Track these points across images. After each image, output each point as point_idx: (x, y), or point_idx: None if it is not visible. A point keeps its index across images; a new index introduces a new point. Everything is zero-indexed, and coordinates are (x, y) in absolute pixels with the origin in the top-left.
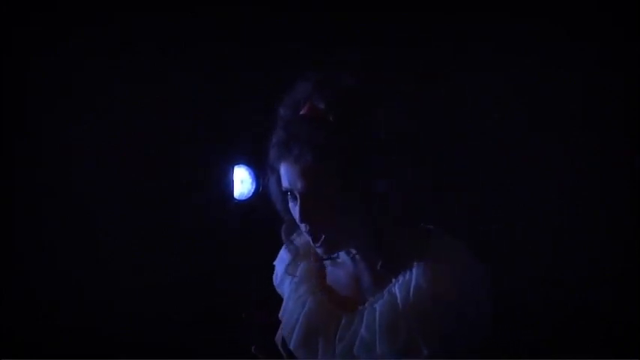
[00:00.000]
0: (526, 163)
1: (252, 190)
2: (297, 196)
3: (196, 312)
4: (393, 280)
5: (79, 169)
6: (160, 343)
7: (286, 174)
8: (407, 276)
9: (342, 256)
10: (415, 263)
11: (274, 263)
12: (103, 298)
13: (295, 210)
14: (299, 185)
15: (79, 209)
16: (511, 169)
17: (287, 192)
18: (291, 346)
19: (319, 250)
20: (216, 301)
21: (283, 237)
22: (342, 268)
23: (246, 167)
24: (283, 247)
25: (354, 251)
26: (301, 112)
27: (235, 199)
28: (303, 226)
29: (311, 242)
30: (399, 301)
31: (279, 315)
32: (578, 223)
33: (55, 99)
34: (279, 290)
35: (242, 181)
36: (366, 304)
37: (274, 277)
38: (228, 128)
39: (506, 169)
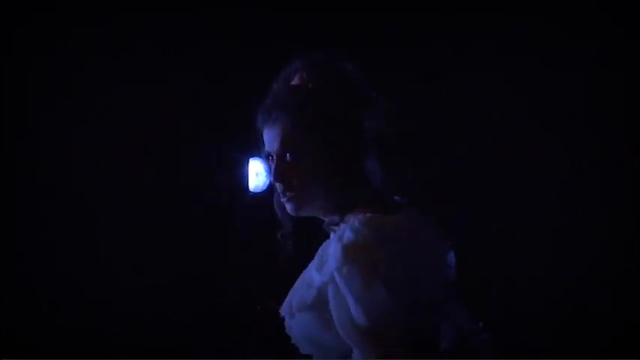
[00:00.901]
0: (526, 163)
1: (268, 183)
2: (274, 157)
3: (196, 312)
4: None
5: (79, 169)
6: (160, 343)
7: (266, 138)
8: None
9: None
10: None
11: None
12: (103, 298)
13: (271, 172)
14: (275, 146)
15: (79, 209)
16: (511, 169)
17: (269, 157)
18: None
19: (288, 207)
20: (216, 301)
21: (277, 210)
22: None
23: (261, 160)
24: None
25: (320, 216)
26: (287, 83)
27: (250, 192)
28: (277, 186)
29: (282, 199)
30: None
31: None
32: (578, 223)
33: (55, 99)
34: None
35: (257, 174)
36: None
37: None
38: (243, 121)
39: (506, 169)
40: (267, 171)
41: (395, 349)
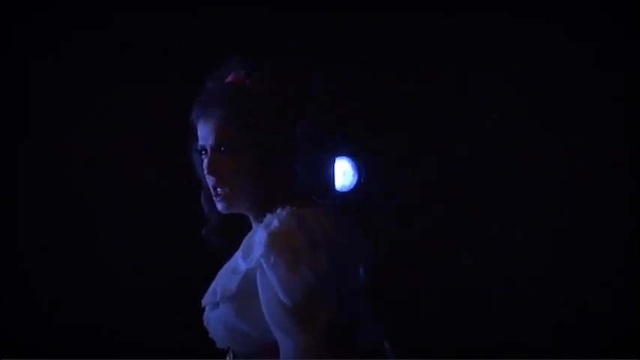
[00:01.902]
0: (526, 163)
1: (354, 182)
2: (208, 150)
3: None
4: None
5: (79, 169)
6: (160, 343)
7: (200, 131)
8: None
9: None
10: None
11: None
12: (103, 298)
13: (204, 165)
14: (210, 140)
15: (80, 209)
16: (511, 169)
17: (202, 151)
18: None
19: (218, 205)
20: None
21: (204, 205)
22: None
23: (348, 159)
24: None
25: (248, 214)
26: (222, 81)
27: (337, 191)
28: (209, 180)
29: (213, 196)
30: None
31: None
32: (578, 223)
33: (55, 99)
34: None
35: (344, 173)
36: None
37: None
38: (329, 120)
39: (506, 169)
40: (354, 170)
41: (319, 331)
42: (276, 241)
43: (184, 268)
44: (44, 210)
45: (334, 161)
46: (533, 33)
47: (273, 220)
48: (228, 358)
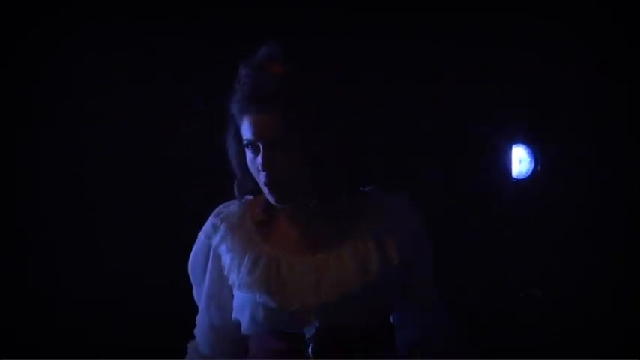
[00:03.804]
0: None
1: (531, 169)
2: (260, 146)
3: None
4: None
5: (79, 169)
6: (160, 343)
7: (250, 126)
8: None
9: (289, 211)
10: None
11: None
12: (103, 298)
13: (255, 161)
14: (260, 134)
15: (79, 209)
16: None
17: (247, 145)
18: (244, 287)
19: (272, 198)
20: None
21: (237, 194)
22: (290, 222)
23: (524, 146)
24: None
25: (314, 201)
26: (266, 70)
27: (513, 179)
28: (262, 175)
29: (266, 191)
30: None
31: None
32: (579, 224)
33: (55, 99)
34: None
35: (520, 161)
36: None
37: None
38: (506, 107)
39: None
40: (530, 157)
41: None
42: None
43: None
44: (44, 210)
45: (510, 148)
46: (533, 33)
47: (385, 197)
48: (309, 348)
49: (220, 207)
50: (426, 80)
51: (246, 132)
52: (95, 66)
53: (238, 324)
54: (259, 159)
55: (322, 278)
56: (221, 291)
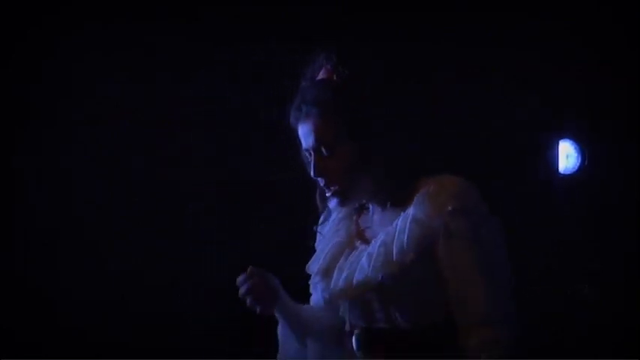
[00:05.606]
0: (526, 163)
1: (578, 165)
2: (311, 152)
3: (196, 312)
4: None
5: (79, 169)
6: (160, 343)
7: (301, 134)
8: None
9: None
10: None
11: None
12: (103, 298)
13: (310, 167)
14: (310, 141)
15: (79, 209)
16: (511, 169)
17: (307, 152)
18: (312, 270)
19: (332, 202)
20: (218, 301)
21: (318, 201)
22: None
23: (571, 141)
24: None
25: (364, 201)
26: (314, 78)
27: (560, 174)
28: (319, 181)
29: (327, 194)
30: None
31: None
32: (579, 224)
33: (55, 99)
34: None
35: (567, 156)
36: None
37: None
38: (555, 102)
39: (506, 168)
40: (578, 153)
41: None
42: None
43: (184, 268)
44: (44, 210)
45: (557, 143)
46: (533, 33)
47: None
48: (354, 340)
49: None
50: (474, 81)
51: (301, 140)
52: (95, 66)
53: None
54: (311, 165)
55: (354, 271)
56: None
